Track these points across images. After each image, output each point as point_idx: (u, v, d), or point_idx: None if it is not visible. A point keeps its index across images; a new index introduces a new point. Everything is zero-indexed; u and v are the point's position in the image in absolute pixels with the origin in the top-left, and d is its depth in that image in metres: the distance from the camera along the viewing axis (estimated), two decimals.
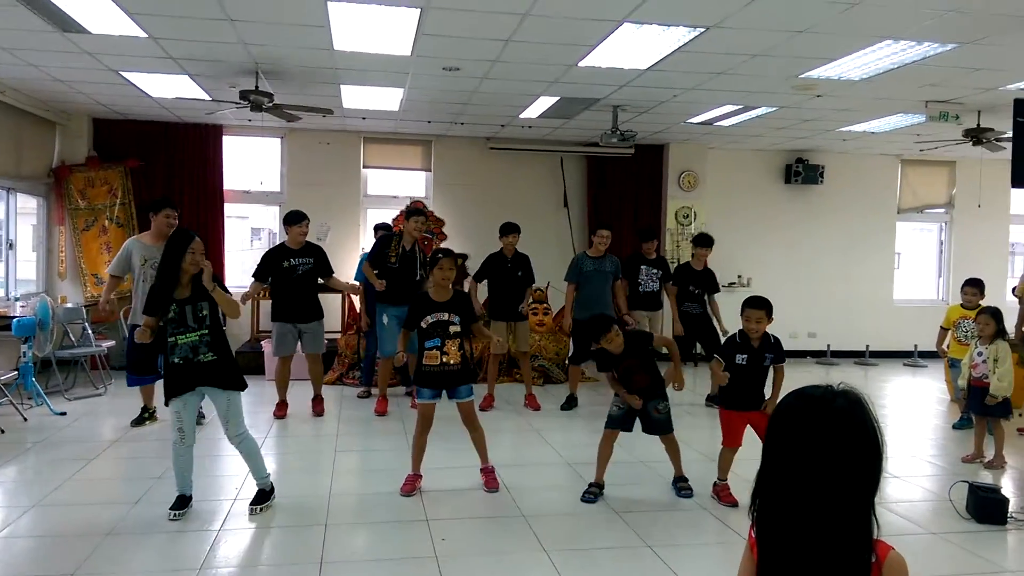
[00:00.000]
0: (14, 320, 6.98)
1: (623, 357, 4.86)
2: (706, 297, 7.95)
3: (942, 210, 12.00)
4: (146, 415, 6.60)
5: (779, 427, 1.65)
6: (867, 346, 11.27)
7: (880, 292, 11.68)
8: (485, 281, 7.66)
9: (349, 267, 9.41)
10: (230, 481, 5.08)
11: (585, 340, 6.17)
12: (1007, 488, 5.02)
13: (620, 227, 10.23)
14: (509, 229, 7.57)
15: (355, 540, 4.29)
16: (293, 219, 6.98)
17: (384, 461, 5.76)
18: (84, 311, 8.37)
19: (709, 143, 10.76)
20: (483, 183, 10.57)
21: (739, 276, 10.96)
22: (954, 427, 7.08)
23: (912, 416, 7.82)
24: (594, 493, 4.89)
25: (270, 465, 5.12)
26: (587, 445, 5.30)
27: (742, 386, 4.71)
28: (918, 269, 12.75)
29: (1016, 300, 7.30)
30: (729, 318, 7.84)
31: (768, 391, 4.77)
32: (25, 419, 6.64)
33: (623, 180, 10.81)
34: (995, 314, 5.89)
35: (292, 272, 6.89)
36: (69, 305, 8.47)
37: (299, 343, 7.07)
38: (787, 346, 4.97)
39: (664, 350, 5.32)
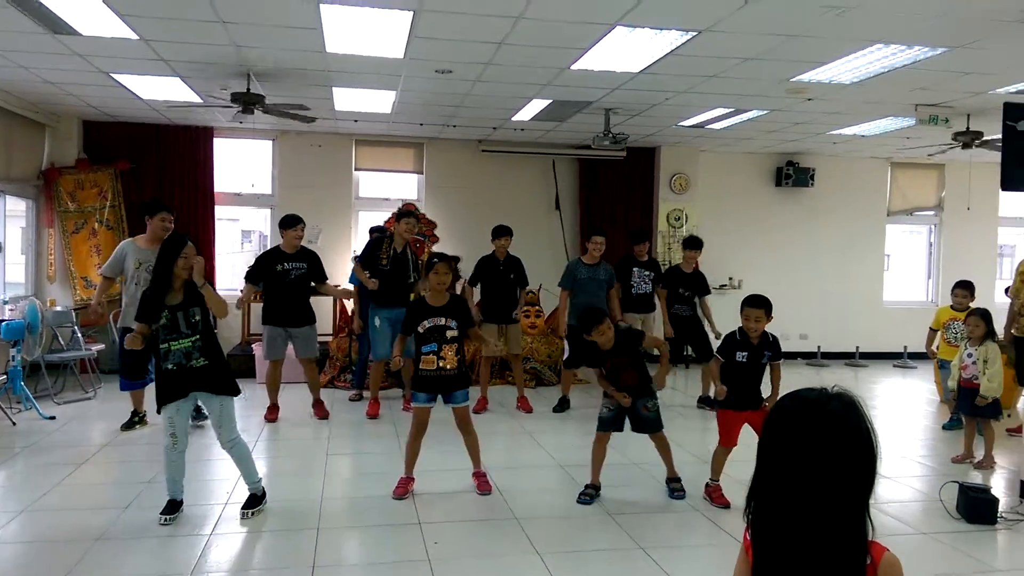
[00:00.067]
0: (3, 323, 6.94)
1: (613, 353, 4.87)
2: (696, 299, 7.97)
3: (931, 212, 12.07)
4: (136, 419, 6.57)
5: (774, 430, 1.66)
6: (857, 347, 11.32)
7: (870, 294, 11.74)
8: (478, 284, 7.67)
9: (340, 269, 9.40)
10: (221, 485, 5.06)
11: (580, 344, 6.17)
12: (997, 488, 5.04)
13: (612, 229, 10.20)
14: (501, 232, 7.57)
15: (347, 544, 4.28)
16: (289, 223, 6.96)
17: (376, 464, 5.75)
18: (73, 314, 8.33)
19: (700, 146, 10.79)
20: (475, 186, 10.57)
21: (730, 278, 11.00)
22: (944, 428, 7.12)
23: (902, 417, 7.86)
24: (590, 495, 4.90)
25: (261, 469, 5.09)
26: (579, 447, 5.31)
27: (740, 385, 4.72)
28: (907, 271, 12.82)
29: (1006, 302, 7.33)
30: (721, 320, 7.88)
31: (764, 390, 4.78)
32: (14, 423, 6.60)
33: (615, 183, 10.83)
34: (985, 316, 5.93)
35: (285, 276, 6.87)
36: (58, 308, 8.43)
37: (290, 347, 7.05)
38: None
39: (656, 351, 5.33)
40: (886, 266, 12.08)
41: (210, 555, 4.00)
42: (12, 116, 8.29)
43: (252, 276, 7.04)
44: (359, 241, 9.57)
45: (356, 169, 10.46)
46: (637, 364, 4.93)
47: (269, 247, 9.79)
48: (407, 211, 7.43)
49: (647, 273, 7.87)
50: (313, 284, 7.05)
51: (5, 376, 6.93)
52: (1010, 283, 7.17)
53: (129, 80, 7.33)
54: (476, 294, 7.76)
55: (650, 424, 4.96)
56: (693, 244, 8.00)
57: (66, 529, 4.30)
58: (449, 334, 4.84)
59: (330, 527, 4.41)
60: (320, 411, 7.13)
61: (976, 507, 4.59)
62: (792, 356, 11.01)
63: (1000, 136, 5.80)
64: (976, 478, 5.52)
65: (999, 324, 6.38)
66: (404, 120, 9.20)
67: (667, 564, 3.93)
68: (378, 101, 8.12)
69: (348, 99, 8.04)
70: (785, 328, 10.76)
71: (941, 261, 12.02)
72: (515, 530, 4.39)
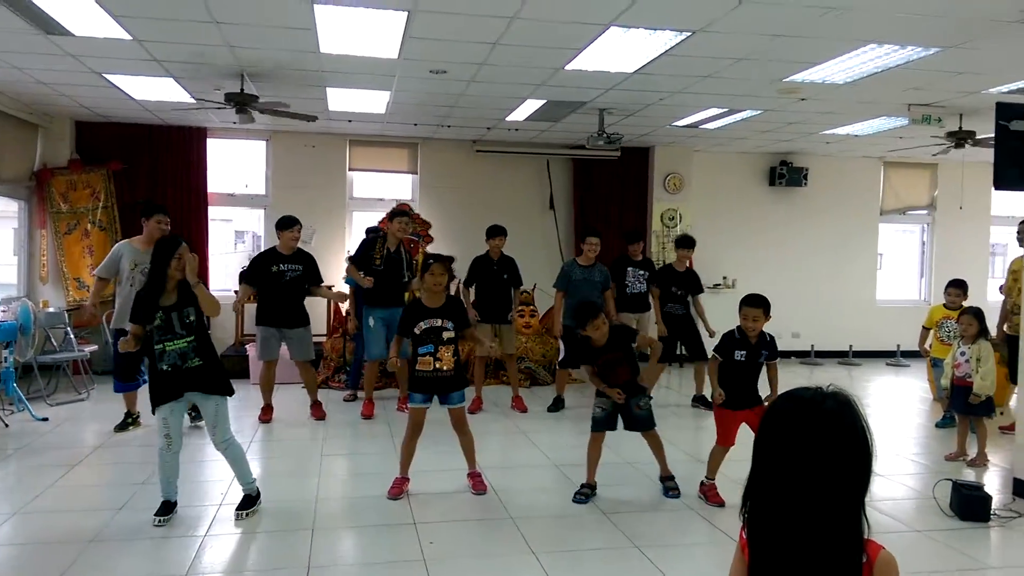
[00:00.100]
0: None
1: (606, 349, 4.87)
2: (689, 298, 7.98)
3: (924, 211, 12.12)
4: (129, 420, 6.55)
5: (770, 429, 1.66)
6: (850, 346, 11.35)
7: (863, 293, 11.78)
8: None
9: (335, 270, 9.38)
10: (215, 486, 5.04)
11: (574, 341, 6.17)
12: (990, 486, 5.06)
13: (606, 229, 10.23)
14: (495, 232, 7.57)
15: (342, 544, 4.28)
16: (285, 224, 6.94)
17: (371, 464, 5.74)
18: (66, 315, 8.29)
19: (694, 146, 10.81)
20: (469, 186, 10.57)
21: (724, 277, 11.02)
22: (937, 426, 7.15)
23: (895, 415, 7.89)
24: (586, 494, 4.90)
25: (256, 469, 5.09)
26: (574, 447, 5.31)
27: (738, 384, 4.73)
28: (900, 270, 12.86)
29: (999, 301, 7.37)
30: (716, 319, 7.88)
31: (761, 390, 4.79)
32: (7, 425, 6.57)
33: (609, 182, 10.84)
34: (978, 314, 5.95)
35: (280, 277, 6.85)
36: (51, 309, 8.39)
37: (285, 349, 7.03)
38: None
39: (649, 350, 5.33)
40: (879, 265, 12.12)
41: (205, 556, 3.99)
42: (4, 117, 8.26)
43: (248, 277, 7.02)
44: (353, 241, 9.55)
45: (350, 169, 10.45)
46: (630, 361, 4.93)
47: (263, 248, 9.82)
48: (400, 210, 7.43)
49: (642, 273, 7.88)
50: (308, 287, 7.04)
51: None
52: (1003, 281, 7.21)
53: (122, 81, 7.31)
54: (472, 294, 7.76)
55: (643, 422, 4.97)
56: (686, 243, 8.02)
57: (59, 531, 4.28)
58: (446, 335, 4.83)
59: (325, 527, 4.40)
60: (318, 412, 7.12)
61: (969, 505, 4.61)
62: (786, 355, 11.00)
63: (993, 135, 5.82)
64: (969, 476, 5.54)
65: (991, 322, 6.41)
66: (398, 120, 9.19)
67: (662, 563, 3.94)
68: (372, 101, 8.11)
69: (342, 99, 8.03)
70: (779, 327, 10.72)
71: (934, 260, 12.07)
72: (511, 530, 4.39)
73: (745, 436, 4.42)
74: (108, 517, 4.47)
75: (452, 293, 5.32)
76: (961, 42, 5.60)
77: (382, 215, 9.47)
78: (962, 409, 5.95)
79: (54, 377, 8.08)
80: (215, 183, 9.96)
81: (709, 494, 4.85)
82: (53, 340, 8.11)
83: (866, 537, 1.60)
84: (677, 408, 7.95)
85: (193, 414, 6.11)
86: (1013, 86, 6.82)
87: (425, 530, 4.35)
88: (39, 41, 5.97)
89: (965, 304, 6.76)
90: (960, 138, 8.31)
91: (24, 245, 9.25)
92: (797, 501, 1.57)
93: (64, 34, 5.80)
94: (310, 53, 6.23)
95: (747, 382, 4.75)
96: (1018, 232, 6.75)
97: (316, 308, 7.22)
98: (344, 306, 9.03)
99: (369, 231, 8.41)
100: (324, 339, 9.03)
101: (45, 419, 6.81)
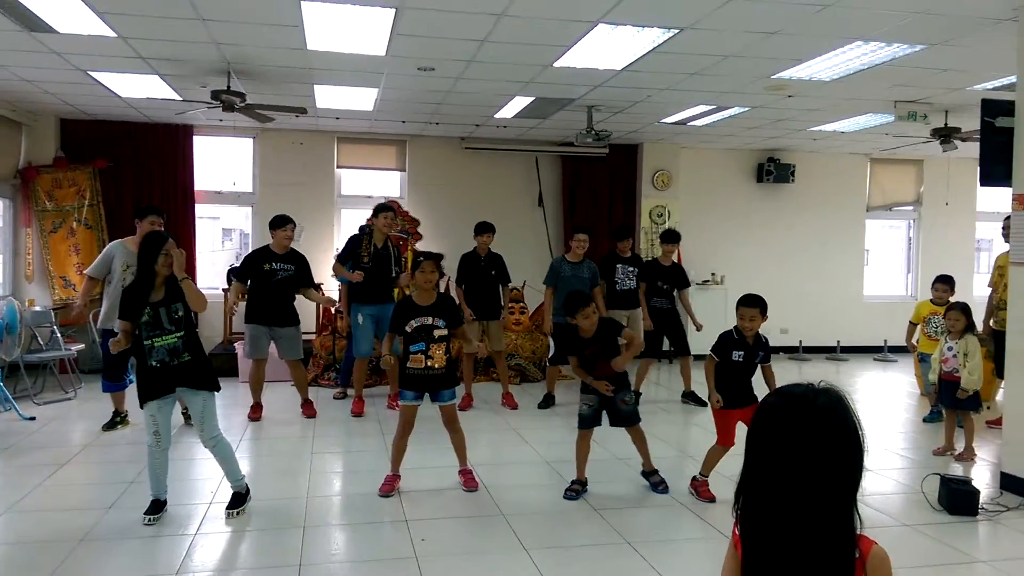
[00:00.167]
0: None
1: (593, 341, 4.87)
2: (675, 292, 8.01)
3: (910, 207, 12.19)
4: (118, 419, 6.51)
5: (761, 426, 1.66)
6: (838, 342, 11.42)
7: (850, 288, 11.85)
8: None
9: (323, 268, 9.34)
10: (205, 484, 5.02)
11: (563, 333, 6.17)
12: (977, 480, 5.10)
13: (595, 226, 10.24)
14: (483, 228, 7.57)
15: (334, 542, 4.26)
16: (278, 223, 6.92)
17: (361, 462, 5.74)
18: (52, 314, 8.23)
19: (682, 143, 10.84)
20: (458, 183, 10.56)
21: (713, 274, 11.05)
22: (924, 420, 7.20)
23: (883, 410, 7.93)
24: (576, 490, 4.91)
25: (246, 467, 5.08)
26: (565, 443, 5.32)
27: (735, 384, 4.73)
28: (887, 266, 12.94)
29: (985, 296, 7.43)
30: (705, 315, 7.93)
31: (757, 390, 4.79)
32: None
33: (598, 179, 10.86)
34: (964, 310, 5.99)
35: (272, 276, 6.83)
36: (37, 308, 8.33)
37: (274, 348, 7.01)
38: None
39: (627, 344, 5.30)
40: (866, 261, 12.19)
41: (195, 555, 3.97)
42: None
43: (240, 274, 7.01)
44: (342, 239, 9.52)
45: (338, 167, 10.42)
46: (615, 355, 4.93)
47: (251, 245, 9.79)
48: (385, 205, 7.41)
49: (631, 269, 7.89)
50: (299, 288, 7.01)
51: None
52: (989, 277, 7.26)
53: (107, 78, 7.26)
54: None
55: (627, 417, 4.98)
56: (671, 238, 8.05)
57: (48, 530, 4.26)
58: (437, 333, 4.83)
59: (316, 525, 4.40)
60: (308, 410, 7.10)
61: (957, 499, 4.64)
62: (774, 350, 10.90)
63: (979, 131, 5.86)
64: (957, 470, 5.58)
65: (978, 318, 6.46)
66: (386, 117, 9.17)
67: (654, 558, 3.95)
68: (360, 98, 8.09)
69: (330, 96, 8.00)
70: (767, 323, 10.75)
71: (920, 256, 12.15)
72: (502, 526, 4.39)
73: (739, 434, 4.46)
74: (98, 516, 4.45)
75: (443, 291, 5.31)
76: (945, 39, 5.65)
77: (371, 213, 9.44)
78: (950, 404, 6.00)
79: (41, 376, 8.02)
80: (202, 181, 9.92)
81: (700, 490, 4.86)
82: (39, 339, 8.05)
83: (859, 532, 1.61)
84: (667, 404, 7.98)
85: (187, 414, 6.09)
86: (998, 83, 6.88)
87: (417, 527, 4.35)
88: (22, 38, 5.92)
89: (952, 300, 6.80)
90: (943, 135, 8.36)
91: (9, 243, 9.18)
92: (790, 497, 1.58)
93: (48, 31, 5.76)
94: (297, 50, 6.21)
95: (744, 382, 4.75)
96: (1003, 228, 6.80)
97: (305, 306, 7.20)
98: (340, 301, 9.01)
99: (363, 229, 8.37)
100: (313, 337, 9.00)
101: (32, 418, 6.77)
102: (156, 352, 4.26)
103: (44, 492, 4.93)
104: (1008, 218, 5.58)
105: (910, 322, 7.42)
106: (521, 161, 10.81)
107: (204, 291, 4.60)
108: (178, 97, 7.79)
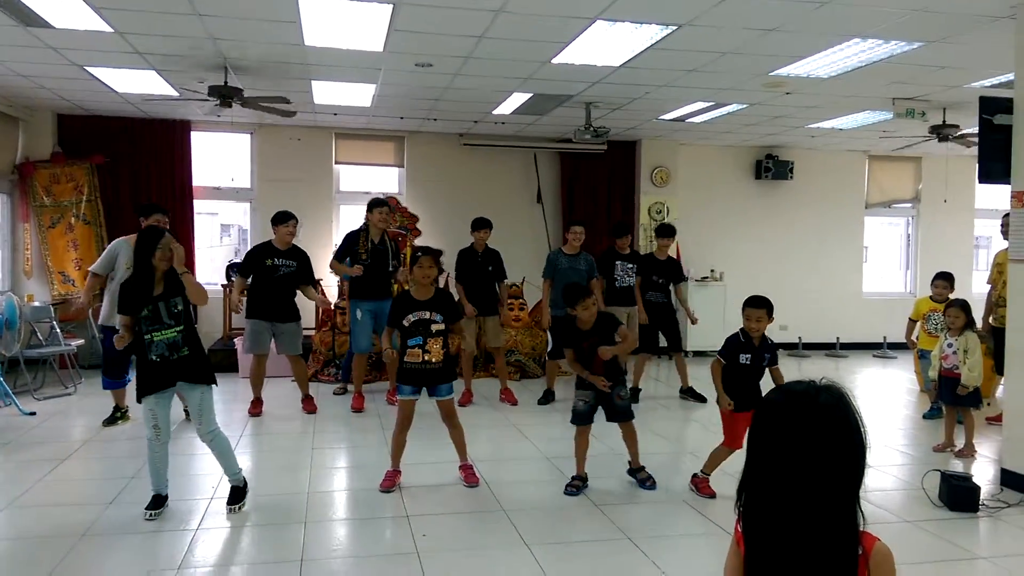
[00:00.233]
0: None
1: (591, 333, 4.87)
2: (671, 287, 8.01)
3: (909, 205, 12.21)
4: (118, 414, 6.51)
5: (764, 423, 1.66)
6: (837, 338, 11.44)
7: (849, 285, 11.87)
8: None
9: (322, 263, 9.32)
10: (206, 480, 5.02)
11: (560, 325, 6.17)
12: (978, 476, 5.11)
13: (594, 223, 10.28)
14: (480, 224, 7.56)
15: (335, 537, 4.27)
16: (279, 219, 6.93)
17: (362, 457, 5.75)
18: (52, 309, 8.22)
19: (681, 139, 10.84)
20: (457, 179, 10.55)
21: (711, 271, 11.06)
22: (924, 417, 7.21)
23: (883, 407, 7.94)
24: (576, 486, 4.92)
25: (247, 463, 5.08)
26: (565, 439, 5.32)
27: (743, 386, 4.72)
28: (885, 262, 12.96)
29: (983, 293, 7.44)
30: (704, 311, 7.94)
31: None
32: None
33: (596, 176, 10.85)
34: (964, 307, 6.00)
35: (274, 272, 6.83)
36: (36, 303, 8.31)
37: (274, 343, 7.01)
38: None
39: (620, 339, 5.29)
40: (865, 258, 12.21)
41: (196, 550, 3.97)
42: None
43: (242, 269, 7.01)
44: (340, 236, 9.50)
45: (336, 163, 10.41)
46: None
47: (249, 241, 9.78)
48: (379, 200, 7.39)
49: (630, 266, 7.89)
50: (299, 285, 7.01)
51: None
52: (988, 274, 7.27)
53: (104, 73, 7.25)
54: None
55: (624, 413, 4.98)
56: (665, 232, 8.04)
57: (50, 526, 4.26)
58: (434, 328, 4.83)
59: (317, 520, 4.40)
60: (309, 406, 7.10)
61: (958, 495, 4.65)
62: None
63: (976, 130, 5.87)
64: (957, 466, 5.59)
65: (977, 315, 6.47)
66: (384, 114, 9.16)
67: (654, 554, 3.95)
68: (358, 94, 8.08)
69: (327, 92, 7.99)
70: None
71: (919, 253, 12.16)
72: (503, 522, 4.40)
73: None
74: (98, 511, 4.44)
75: (442, 286, 5.30)
76: (943, 37, 5.66)
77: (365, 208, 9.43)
78: (950, 400, 6.00)
79: (40, 371, 8.01)
80: (200, 176, 9.90)
81: (701, 486, 4.86)
82: (39, 334, 8.05)
83: (861, 529, 1.61)
84: (666, 400, 7.98)
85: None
86: (996, 80, 6.89)
87: (418, 523, 4.36)
88: (18, 33, 5.90)
89: (951, 297, 6.81)
90: (941, 132, 8.37)
91: (7, 239, 9.16)
92: (792, 494, 1.58)
93: (44, 26, 5.74)
94: (294, 46, 6.20)
95: (752, 385, 4.75)
96: (1002, 225, 6.81)
97: (305, 301, 7.20)
98: (334, 300, 9.02)
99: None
100: (313, 332, 8.99)
101: (33, 413, 6.77)
102: (156, 347, 4.26)
103: (45, 487, 4.93)
104: (1007, 215, 5.59)
105: (910, 319, 7.43)
106: (519, 157, 10.80)
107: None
108: (175, 93, 7.77)
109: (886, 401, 8.31)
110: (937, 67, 6.54)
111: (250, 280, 6.95)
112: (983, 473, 5.45)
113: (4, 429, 6.31)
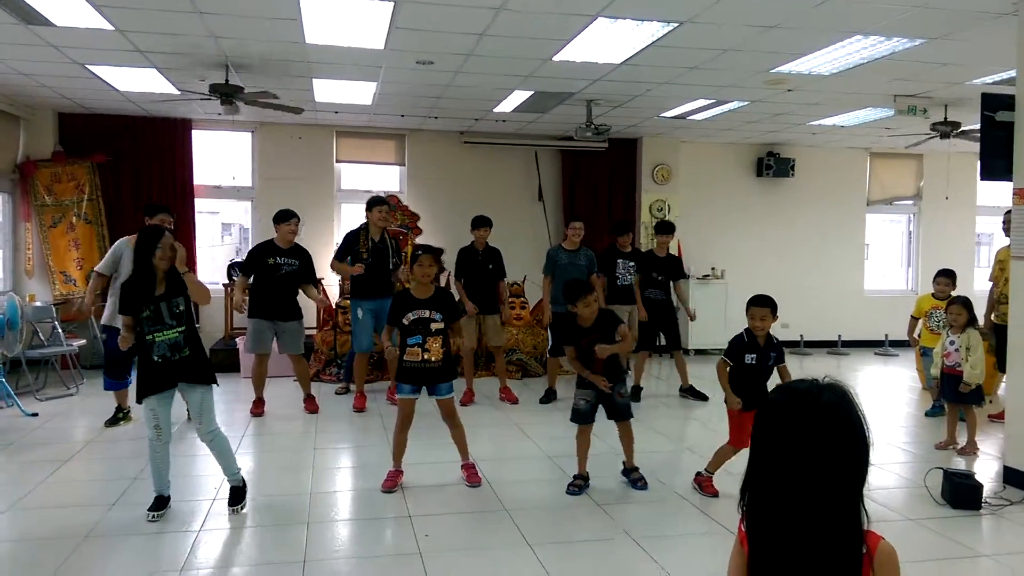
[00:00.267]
0: None
1: (591, 330, 4.86)
2: (671, 284, 8.00)
3: (910, 202, 12.19)
4: (120, 415, 6.51)
5: (767, 422, 1.66)
6: (839, 336, 11.43)
7: (851, 282, 11.85)
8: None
9: (323, 262, 9.31)
10: (208, 481, 5.01)
11: (561, 322, 6.16)
12: (980, 474, 5.11)
13: (595, 220, 10.28)
14: (481, 223, 7.55)
15: (338, 538, 4.27)
16: (281, 217, 6.92)
17: (364, 457, 5.74)
18: (54, 309, 8.22)
19: (682, 137, 10.83)
20: (458, 177, 10.54)
21: (713, 268, 11.05)
22: (927, 415, 7.20)
23: (885, 404, 7.94)
24: (579, 485, 4.91)
25: (248, 463, 5.07)
26: (567, 438, 5.32)
27: (750, 387, 4.70)
28: (887, 260, 12.95)
29: (985, 290, 7.43)
30: (706, 309, 7.93)
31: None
32: None
33: (597, 174, 10.84)
34: (966, 304, 6.00)
35: (276, 270, 6.83)
36: (38, 304, 8.31)
37: (276, 342, 7.00)
38: None
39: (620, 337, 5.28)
40: (866, 255, 12.19)
41: (199, 551, 3.98)
42: None
43: (245, 267, 7.00)
44: (341, 234, 9.50)
45: (337, 161, 10.40)
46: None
47: (250, 240, 9.77)
48: (378, 198, 7.38)
49: (631, 264, 7.88)
50: (301, 284, 7.00)
51: None
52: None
53: (105, 72, 7.24)
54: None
55: (624, 411, 4.98)
56: (665, 229, 8.04)
57: (52, 527, 4.25)
58: (434, 326, 4.82)
59: (320, 521, 4.40)
60: (311, 405, 7.09)
61: (961, 493, 4.65)
62: None
63: (978, 126, 5.86)
64: (959, 464, 5.60)
65: (979, 312, 6.46)
66: (385, 111, 9.15)
67: (657, 553, 3.95)
68: (359, 92, 8.07)
69: (328, 90, 7.98)
70: None
71: (920, 250, 12.15)
72: (506, 522, 4.39)
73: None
74: (101, 513, 4.45)
75: (442, 285, 5.30)
76: (945, 34, 5.64)
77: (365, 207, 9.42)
78: (952, 398, 6.00)
79: (42, 372, 8.01)
80: (201, 175, 9.89)
81: (704, 484, 4.85)
82: (41, 335, 8.05)
83: (865, 528, 1.61)
84: (667, 399, 7.98)
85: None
86: (997, 77, 6.87)
87: (420, 523, 4.35)
88: (19, 31, 5.90)
89: (953, 294, 6.81)
90: (943, 129, 8.36)
91: (9, 238, 9.15)
92: (796, 493, 1.57)
93: (45, 24, 5.74)
94: (296, 44, 6.19)
95: (758, 384, 4.72)
96: (1004, 222, 6.80)
97: (307, 300, 7.19)
98: (335, 299, 9.02)
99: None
100: (315, 332, 8.99)
101: (35, 414, 6.77)
102: (158, 347, 4.26)
103: (47, 489, 4.93)
104: (1009, 212, 5.58)
105: (911, 316, 7.43)
106: (520, 155, 10.79)
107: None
108: (176, 91, 7.77)
109: (888, 399, 8.30)
110: (939, 64, 6.52)
111: (252, 279, 6.94)
112: (986, 471, 5.45)
113: (6, 430, 6.32)
